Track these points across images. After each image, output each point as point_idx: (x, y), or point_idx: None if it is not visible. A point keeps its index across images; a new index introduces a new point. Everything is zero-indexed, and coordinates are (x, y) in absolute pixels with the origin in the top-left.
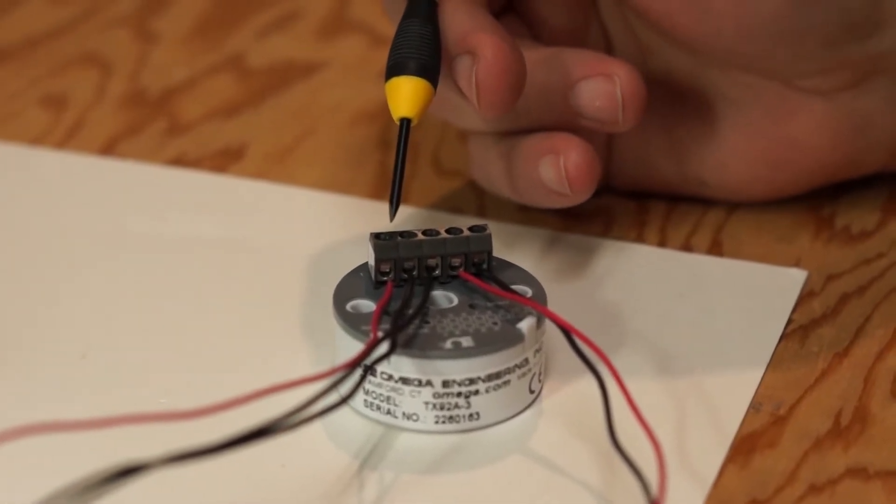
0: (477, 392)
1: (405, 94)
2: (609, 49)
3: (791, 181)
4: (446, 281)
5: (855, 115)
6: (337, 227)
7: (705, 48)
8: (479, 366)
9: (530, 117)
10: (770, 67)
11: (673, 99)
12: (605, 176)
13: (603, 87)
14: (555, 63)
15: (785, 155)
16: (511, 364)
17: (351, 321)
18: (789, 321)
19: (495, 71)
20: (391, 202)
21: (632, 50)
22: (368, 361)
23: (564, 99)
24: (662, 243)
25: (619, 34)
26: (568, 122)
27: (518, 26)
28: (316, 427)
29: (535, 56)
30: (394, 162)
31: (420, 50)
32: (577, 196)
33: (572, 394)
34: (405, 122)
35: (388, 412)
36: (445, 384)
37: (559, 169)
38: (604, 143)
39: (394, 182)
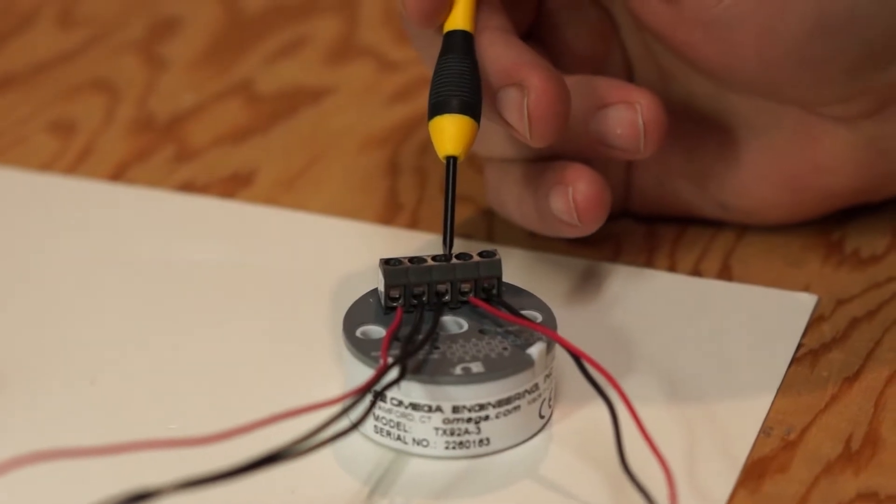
0: (487, 417)
1: (450, 133)
2: (630, 74)
3: (812, 205)
4: (456, 306)
5: (876, 141)
6: (346, 252)
7: (727, 76)
8: (489, 391)
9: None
10: (792, 95)
11: (694, 123)
12: (623, 199)
13: (625, 115)
14: (577, 90)
15: (806, 180)
16: (521, 389)
17: (361, 347)
18: (799, 346)
19: (546, 101)
20: (444, 241)
21: (653, 75)
22: (378, 387)
23: (586, 126)
24: (672, 268)
25: (641, 60)
26: (588, 149)
27: (539, 52)
28: (326, 453)
29: None
30: (444, 201)
31: (461, 86)
32: (587, 227)
33: (582, 419)
34: (451, 161)
35: (398, 438)
36: (455, 410)
37: (568, 200)
38: (623, 167)
39: (445, 220)
